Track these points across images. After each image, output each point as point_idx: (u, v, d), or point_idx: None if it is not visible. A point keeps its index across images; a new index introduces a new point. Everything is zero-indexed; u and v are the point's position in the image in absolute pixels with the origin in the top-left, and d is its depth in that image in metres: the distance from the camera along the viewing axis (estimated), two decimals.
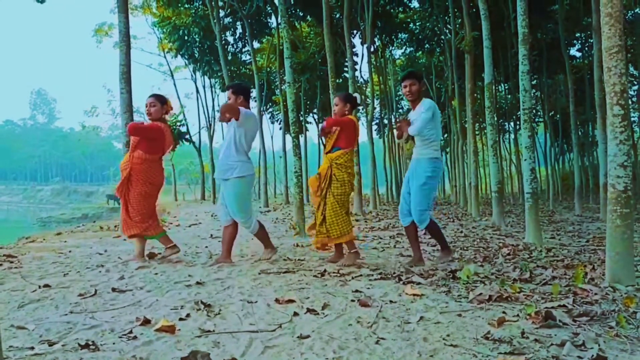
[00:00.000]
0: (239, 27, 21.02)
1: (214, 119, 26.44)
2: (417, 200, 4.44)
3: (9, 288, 3.48)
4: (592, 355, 1.98)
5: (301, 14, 19.09)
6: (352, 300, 3.06)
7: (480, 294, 3.05)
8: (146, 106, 4.81)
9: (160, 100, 4.86)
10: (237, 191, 4.60)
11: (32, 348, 2.17)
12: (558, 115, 25.18)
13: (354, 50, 15.77)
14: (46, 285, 3.55)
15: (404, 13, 20.18)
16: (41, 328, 2.50)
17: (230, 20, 20.30)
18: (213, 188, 24.29)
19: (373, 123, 20.81)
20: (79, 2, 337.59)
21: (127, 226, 4.76)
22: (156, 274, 4.14)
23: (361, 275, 3.95)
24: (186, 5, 19.86)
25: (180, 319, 2.65)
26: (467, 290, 3.29)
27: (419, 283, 3.56)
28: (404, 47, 23.13)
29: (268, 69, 23.43)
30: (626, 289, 3.17)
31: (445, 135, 25.10)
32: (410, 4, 19.45)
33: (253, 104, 22.34)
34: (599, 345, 2.14)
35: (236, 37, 21.81)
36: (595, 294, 3.08)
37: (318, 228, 4.58)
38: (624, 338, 2.24)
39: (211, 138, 25.73)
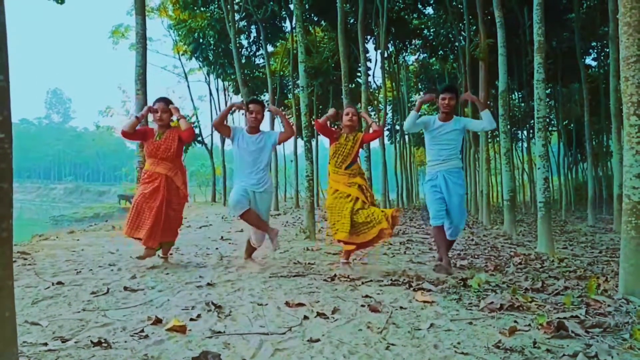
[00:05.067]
0: (254, 30, 21.12)
1: (226, 121, 26.51)
2: (462, 211, 4.61)
3: (23, 284, 3.53)
4: None
5: (316, 18, 19.13)
6: (362, 306, 3.06)
7: (492, 302, 3.03)
8: (155, 112, 4.65)
9: (169, 105, 4.75)
10: (269, 203, 4.93)
11: (46, 344, 2.20)
12: (572, 125, 24.94)
13: (367, 55, 15.77)
14: (59, 283, 3.59)
15: (418, 19, 20.16)
16: (54, 324, 2.53)
17: (245, 23, 20.40)
18: (224, 190, 24.36)
19: (385, 129, 20.77)
20: (96, 4, 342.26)
21: (169, 232, 4.71)
22: (167, 274, 4.17)
23: (371, 280, 3.95)
24: (202, 9, 20.00)
25: (191, 320, 2.66)
26: (478, 298, 3.27)
27: (429, 290, 3.54)
28: (418, 53, 23.11)
29: (281, 73, 23.51)
30: None
31: None
32: (424, 11, 19.44)
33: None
34: (612, 357, 2.12)
35: (250, 40, 21.90)
36: (609, 305, 3.04)
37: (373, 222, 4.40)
38: (638, 351, 2.21)
39: (223, 140, 25.83)
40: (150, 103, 4.93)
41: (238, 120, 29.39)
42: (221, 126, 4.79)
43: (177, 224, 4.78)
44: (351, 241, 4.53)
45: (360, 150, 4.85)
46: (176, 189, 4.65)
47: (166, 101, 4.75)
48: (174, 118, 4.79)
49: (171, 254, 5.28)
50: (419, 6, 18.75)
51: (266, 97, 21.49)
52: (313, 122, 4.91)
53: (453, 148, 4.60)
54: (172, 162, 4.65)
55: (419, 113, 4.66)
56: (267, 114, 4.92)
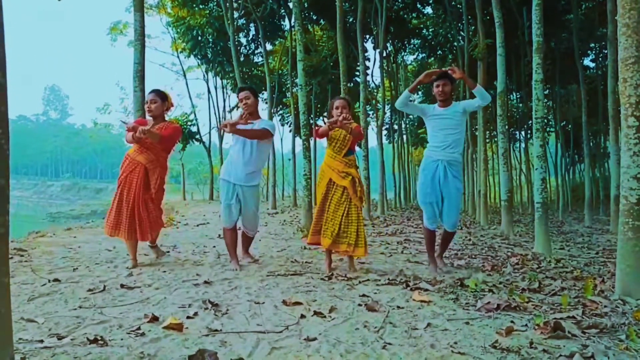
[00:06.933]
0: (253, 28, 21.12)
1: (225, 119, 26.53)
2: (458, 205, 4.57)
3: (19, 281, 3.52)
4: None
5: (315, 17, 19.12)
6: (359, 305, 3.05)
7: (489, 302, 3.03)
8: (146, 102, 4.61)
9: (160, 97, 4.66)
10: (258, 197, 4.83)
11: (42, 341, 2.19)
12: (570, 126, 24.99)
13: (366, 54, 15.79)
14: (56, 280, 3.58)
15: (417, 19, 20.14)
16: (50, 322, 2.52)
17: (244, 21, 20.39)
18: None
19: (383, 128, 20.77)
20: (94, 0, 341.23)
21: (153, 226, 4.56)
22: (164, 271, 4.16)
23: (368, 279, 3.95)
24: (201, 6, 19.97)
25: (188, 317, 2.66)
26: (475, 298, 3.28)
27: (426, 290, 3.55)
28: (416, 53, 23.07)
29: (280, 71, 23.49)
30: (637, 302, 3.14)
31: None
32: (423, 10, 19.43)
33: (264, 105, 22.47)
34: (608, 358, 2.12)
35: (249, 38, 21.91)
36: (605, 306, 3.05)
37: (349, 239, 4.31)
38: (634, 352, 2.22)
39: (221, 138, 25.82)
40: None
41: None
42: None
43: (158, 215, 4.63)
44: (329, 248, 4.42)
45: (357, 148, 4.81)
46: (154, 181, 4.54)
47: (158, 93, 4.68)
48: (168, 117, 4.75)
49: (168, 253, 5.28)
50: (418, 6, 18.73)
51: (265, 95, 21.48)
52: (315, 127, 4.73)
53: (458, 133, 4.50)
54: (155, 155, 4.54)
55: (413, 95, 4.60)
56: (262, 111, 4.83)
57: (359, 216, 4.40)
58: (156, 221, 4.62)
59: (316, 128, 4.59)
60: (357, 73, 19.03)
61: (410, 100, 4.71)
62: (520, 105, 23.89)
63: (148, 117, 4.78)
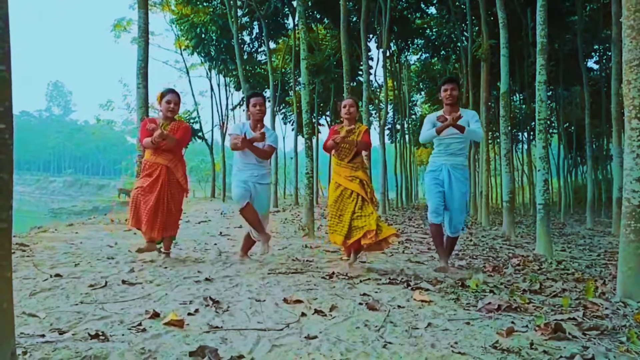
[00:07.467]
0: (256, 27, 21.10)
1: (227, 117, 26.55)
2: (462, 208, 4.56)
3: (21, 276, 3.53)
4: None
5: (318, 16, 19.10)
6: (360, 304, 3.05)
7: (489, 303, 3.03)
8: (169, 103, 4.62)
9: (179, 97, 4.77)
10: (269, 196, 4.93)
11: (43, 336, 2.19)
12: (573, 127, 24.95)
13: (369, 54, 15.76)
14: (57, 275, 3.59)
15: (421, 19, 20.14)
16: (52, 317, 2.53)
17: (248, 19, 20.38)
18: (223, 186, 24.35)
19: (385, 128, 20.75)
20: None
21: (171, 226, 4.64)
22: (165, 268, 4.17)
23: (369, 279, 3.95)
24: (205, 4, 19.97)
25: (189, 314, 2.66)
26: (475, 299, 3.27)
27: (427, 289, 3.54)
28: (420, 53, 23.07)
29: (283, 70, 23.49)
30: (638, 305, 3.14)
31: None
32: (427, 10, 19.41)
33: (267, 104, 22.45)
34: None
35: (253, 36, 21.90)
36: (606, 308, 3.05)
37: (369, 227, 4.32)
38: (635, 354, 2.21)
39: (223, 136, 25.82)
40: (151, 97, 4.93)
41: (239, 116, 29.29)
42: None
43: (178, 217, 4.75)
44: (345, 245, 4.51)
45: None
46: (176, 181, 4.64)
47: (178, 94, 4.77)
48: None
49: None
50: (422, 6, 18.72)
51: (267, 93, 21.48)
52: (327, 136, 4.70)
53: (463, 142, 4.49)
54: (172, 154, 4.64)
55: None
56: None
57: (372, 211, 4.39)
58: (174, 223, 4.70)
59: (326, 142, 4.58)
60: (360, 72, 18.98)
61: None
62: (523, 106, 23.85)
63: (154, 116, 4.83)
